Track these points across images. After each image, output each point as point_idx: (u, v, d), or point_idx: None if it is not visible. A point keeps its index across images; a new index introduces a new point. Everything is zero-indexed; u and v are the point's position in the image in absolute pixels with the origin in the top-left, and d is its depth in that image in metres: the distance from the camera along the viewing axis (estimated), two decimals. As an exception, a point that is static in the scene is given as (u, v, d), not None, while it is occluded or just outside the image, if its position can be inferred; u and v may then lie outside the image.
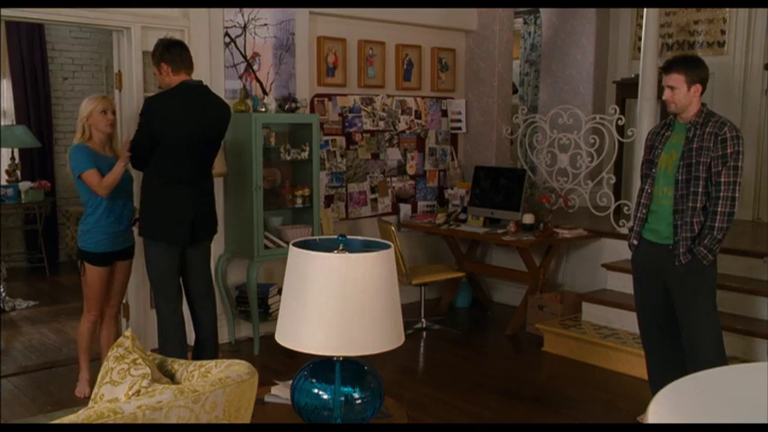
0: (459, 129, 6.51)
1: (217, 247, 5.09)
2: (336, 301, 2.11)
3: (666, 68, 3.46)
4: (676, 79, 3.40)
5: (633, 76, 6.49)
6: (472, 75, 6.51)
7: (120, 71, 4.85)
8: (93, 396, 2.18)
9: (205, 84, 4.15)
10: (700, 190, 3.38)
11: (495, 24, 6.33)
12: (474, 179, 6.00)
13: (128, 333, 2.30)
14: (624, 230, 5.36)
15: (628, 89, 6.30)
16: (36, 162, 7.65)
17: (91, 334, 4.26)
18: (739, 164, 3.35)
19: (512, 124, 6.44)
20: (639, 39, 6.68)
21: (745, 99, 6.08)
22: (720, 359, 3.50)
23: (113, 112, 4.14)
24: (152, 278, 4.09)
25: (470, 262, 6.11)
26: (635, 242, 3.68)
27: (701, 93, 3.44)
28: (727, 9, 6.12)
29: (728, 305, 4.64)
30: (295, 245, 2.25)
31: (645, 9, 5.23)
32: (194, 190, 3.99)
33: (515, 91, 7.38)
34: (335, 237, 2.31)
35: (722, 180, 3.33)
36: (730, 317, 4.58)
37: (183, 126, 3.89)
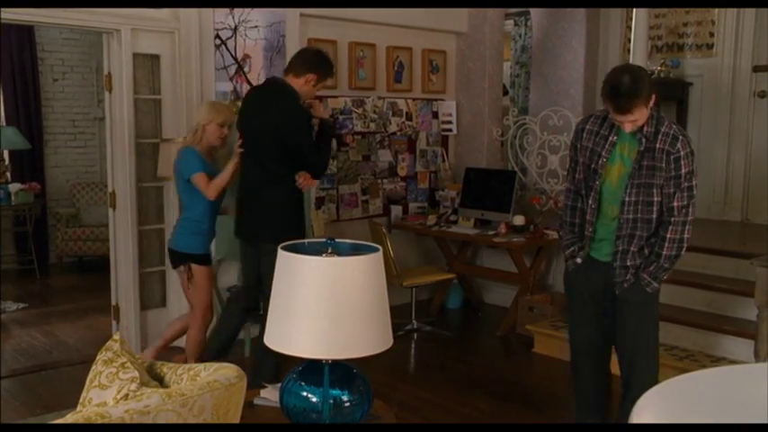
0: (450, 130, 6.52)
1: (207, 249, 5.08)
2: (325, 305, 2.12)
3: (625, 108, 2.85)
4: (639, 111, 2.88)
5: (623, 77, 6.51)
6: (463, 76, 6.52)
7: (110, 73, 4.84)
8: (81, 400, 2.18)
9: (281, 80, 3.89)
10: (654, 216, 2.98)
11: (485, 26, 6.34)
12: (465, 181, 6.01)
13: (116, 336, 2.29)
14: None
15: (617, 91, 6.32)
16: (26, 163, 7.62)
17: (204, 341, 4.28)
18: (693, 183, 2.96)
19: (502, 126, 6.46)
20: (629, 41, 6.70)
21: (733, 101, 6.11)
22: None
23: (229, 127, 4.20)
24: None
25: (461, 263, 6.12)
26: (579, 260, 3.17)
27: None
28: (716, 11, 6.15)
29: (716, 306, 4.67)
30: (283, 248, 2.25)
31: (634, 11, 5.25)
32: (246, 190, 3.97)
33: (506, 92, 7.39)
34: (324, 240, 2.31)
35: (675, 204, 2.95)
36: (718, 317, 4.61)
37: (244, 123, 4.00)
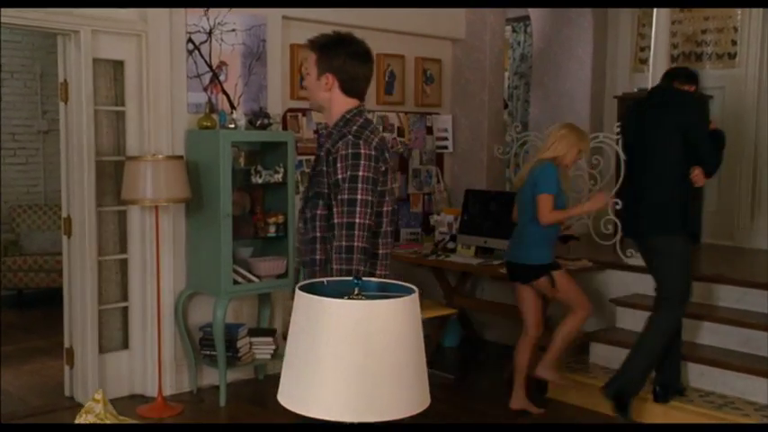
0: (446, 148, 6.42)
1: (177, 281, 4.91)
2: (356, 357, 1.96)
3: (308, 45, 2.81)
4: (310, 61, 2.76)
5: (635, 90, 6.49)
6: (459, 88, 6.44)
7: (66, 80, 4.65)
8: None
9: (673, 86, 4.45)
10: (317, 234, 2.72)
11: (485, 32, 6.28)
12: (464, 204, 5.90)
13: (98, 396, 2.11)
14: (632, 261, 5.31)
15: (631, 105, 6.29)
16: (-41, 183, 7.33)
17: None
18: (357, 196, 2.59)
19: (503, 143, 6.38)
20: (641, 49, 6.72)
21: (759, 115, 6.11)
22: None
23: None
24: None
25: (460, 296, 5.99)
26: None
27: (344, 91, 2.73)
28: (739, 17, 6.16)
29: (754, 345, 4.58)
30: (302, 289, 2.09)
31: (654, 17, 5.23)
32: (639, 191, 4.39)
33: (505, 106, 7.34)
34: (348, 279, 2.16)
35: (335, 221, 2.63)
36: (757, 359, 4.51)
37: (637, 131, 4.53)
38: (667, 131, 4.25)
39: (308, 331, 2.03)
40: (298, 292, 2.09)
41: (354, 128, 2.67)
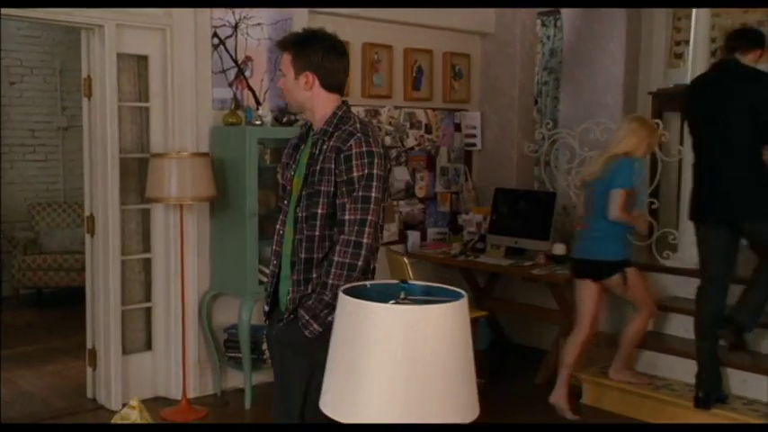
0: (474, 145, 6.35)
1: (201, 282, 4.88)
2: (404, 366, 1.90)
3: (278, 45, 2.83)
4: (285, 61, 2.73)
5: (671, 86, 6.40)
6: (489, 84, 6.37)
7: (89, 76, 4.63)
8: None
9: (736, 60, 4.31)
10: (316, 234, 2.66)
11: (515, 26, 6.20)
12: (494, 203, 5.83)
13: (134, 403, 2.07)
14: (670, 263, 5.22)
15: (666, 101, 6.20)
16: (-22, 180, 7.35)
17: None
18: (372, 194, 2.61)
19: (533, 140, 6.30)
20: (677, 43, 6.61)
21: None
22: None
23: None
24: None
25: (490, 298, 5.92)
26: (266, 308, 2.89)
27: (326, 87, 2.70)
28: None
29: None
30: (345, 293, 2.04)
31: (694, 11, 5.14)
32: (712, 171, 4.32)
33: (534, 102, 7.24)
34: (393, 282, 2.10)
35: (346, 218, 2.61)
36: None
37: (699, 105, 4.45)
38: (734, 110, 4.16)
39: (353, 337, 1.97)
40: (343, 296, 2.04)
41: (358, 125, 2.67)
